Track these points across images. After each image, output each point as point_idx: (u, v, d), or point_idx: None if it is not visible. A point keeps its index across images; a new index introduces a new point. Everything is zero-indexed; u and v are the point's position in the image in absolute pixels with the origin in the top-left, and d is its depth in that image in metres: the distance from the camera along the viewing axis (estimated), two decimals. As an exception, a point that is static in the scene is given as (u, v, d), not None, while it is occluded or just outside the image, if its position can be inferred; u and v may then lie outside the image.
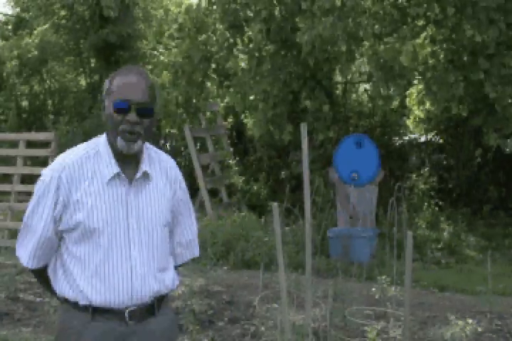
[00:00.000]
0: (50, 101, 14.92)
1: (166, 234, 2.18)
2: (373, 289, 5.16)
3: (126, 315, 2.07)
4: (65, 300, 2.11)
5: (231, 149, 11.10)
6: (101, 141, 2.13)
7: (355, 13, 8.02)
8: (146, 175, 2.13)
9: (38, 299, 5.66)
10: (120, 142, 2.04)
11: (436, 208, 9.69)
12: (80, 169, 2.07)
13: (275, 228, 4.00)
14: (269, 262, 6.73)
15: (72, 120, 13.38)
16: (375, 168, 8.09)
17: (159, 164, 2.19)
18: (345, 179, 8.12)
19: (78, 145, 2.17)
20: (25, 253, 2.14)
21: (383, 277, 5.09)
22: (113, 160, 2.08)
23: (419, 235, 8.17)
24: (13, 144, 9.06)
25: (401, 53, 7.66)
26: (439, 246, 8.19)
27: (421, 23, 8.36)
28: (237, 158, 11.35)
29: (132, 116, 2.02)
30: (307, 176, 4.13)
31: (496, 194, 10.70)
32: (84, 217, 2.03)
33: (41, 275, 2.21)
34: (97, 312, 2.06)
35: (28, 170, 9.10)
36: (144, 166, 2.12)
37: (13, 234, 8.23)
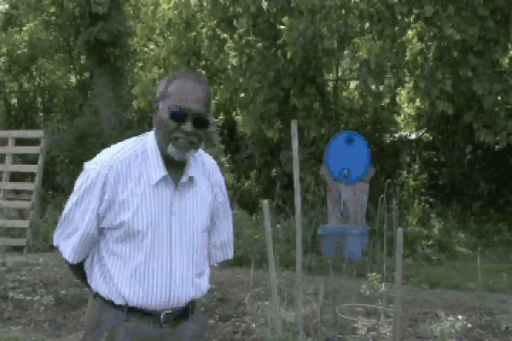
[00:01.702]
0: (39, 99, 14.83)
1: (206, 239, 2.18)
2: (364, 286, 5.16)
3: (162, 317, 2.06)
4: (100, 296, 2.08)
5: (222, 146, 11.08)
6: (149, 140, 2.07)
7: (345, 9, 8.02)
8: (191, 180, 2.11)
9: (28, 297, 5.61)
10: (171, 149, 2.00)
11: (427, 205, 9.71)
12: (128, 169, 2.03)
13: (265, 225, 3.99)
14: (261, 259, 6.73)
15: (62, 118, 13.30)
16: (365, 165, 8.09)
17: (202, 167, 2.18)
18: (336, 176, 8.12)
19: (125, 142, 2.11)
20: (68, 247, 2.10)
21: (373, 274, 5.10)
22: (161, 163, 2.04)
23: (410, 232, 8.18)
24: (2, 142, 8.99)
25: (387, 50, 7.68)
26: (430, 242, 8.21)
27: (410, 20, 8.38)
28: (229, 156, 11.34)
29: (188, 126, 1.97)
30: (297, 173, 4.13)
31: (486, 191, 10.75)
32: (129, 218, 2.00)
33: (79, 269, 2.18)
34: (131, 312, 2.04)
35: (17, 168, 9.05)
36: (190, 171, 2.10)
37: (2, 231, 8.18)
